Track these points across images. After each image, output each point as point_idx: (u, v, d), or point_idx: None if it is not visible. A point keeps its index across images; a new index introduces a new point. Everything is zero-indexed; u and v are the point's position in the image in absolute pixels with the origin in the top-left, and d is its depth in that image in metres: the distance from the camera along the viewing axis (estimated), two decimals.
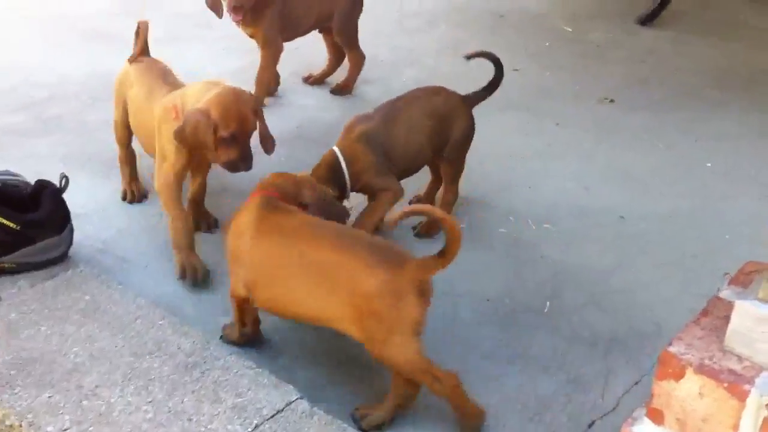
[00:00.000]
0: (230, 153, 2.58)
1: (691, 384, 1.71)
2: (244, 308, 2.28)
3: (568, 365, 2.41)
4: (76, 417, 2.00)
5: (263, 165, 2.88)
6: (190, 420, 2.00)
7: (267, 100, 3.91)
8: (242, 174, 2.69)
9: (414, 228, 3.02)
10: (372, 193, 2.84)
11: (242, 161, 2.61)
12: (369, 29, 4.86)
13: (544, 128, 3.86)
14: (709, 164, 3.62)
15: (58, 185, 2.58)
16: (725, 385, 1.66)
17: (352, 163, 2.75)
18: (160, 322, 2.33)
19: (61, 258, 2.59)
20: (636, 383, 2.35)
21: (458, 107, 2.97)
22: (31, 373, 2.13)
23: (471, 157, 3.09)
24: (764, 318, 1.67)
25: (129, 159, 3.08)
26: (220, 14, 3.64)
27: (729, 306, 1.87)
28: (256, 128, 2.63)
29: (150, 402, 2.05)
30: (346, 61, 4.15)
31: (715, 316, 1.86)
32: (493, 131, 3.66)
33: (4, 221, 2.45)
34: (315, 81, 4.19)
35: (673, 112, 4.15)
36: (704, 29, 5.38)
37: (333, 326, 2.11)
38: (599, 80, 4.48)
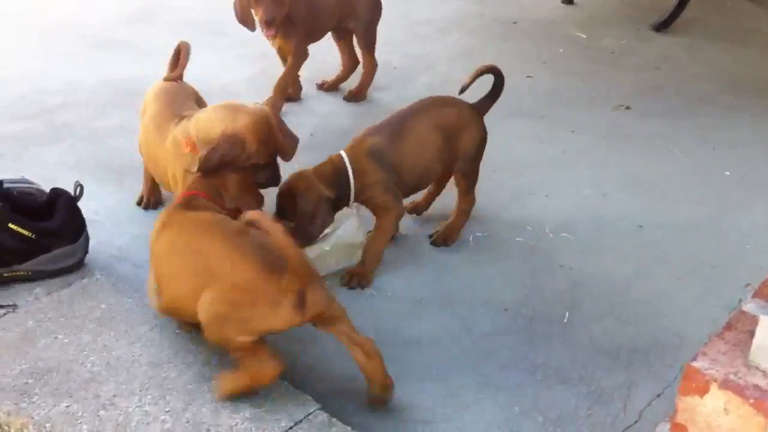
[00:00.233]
0: (261, 176, 2.57)
1: (715, 400, 1.68)
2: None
3: (589, 377, 2.38)
4: (94, 427, 1.98)
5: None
6: (208, 430, 1.98)
7: (284, 106, 3.89)
8: None
9: (431, 236, 3.00)
10: (374, 208, 2.80)
11: (272, 181, 2.61)
12: (381, 37, 4.84)
13: (559, 135, 3.84)
14: (728, 172, 3.59)
15: (72, 193, 2.56)
16: (751, 401, 1.63)
17: (359, 175, 2.71)
18: (177, 332, 2.32)
19: (77, 266, 2.58)
20: (658, 395, 2.32)
21: (469, 118, 2.91)
22: (48, 382, 2.11)
23: (485, 165, 3.05)
24: None
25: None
26: (252, 27, 3.69)
27: (753, 320, 1.84)
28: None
29: (168, 412, 2.03)
30: (358, 68, 4.14)
31: (739, 330, 1.83)
32: (506, 139, 3.64)
33: (20, 229, 2.43)
34: (329, 87, 4.18)
35: (688, 119, 4.12)
36: (719, 36, 5.34)
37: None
38: (614, 87, 4.45)
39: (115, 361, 2.20)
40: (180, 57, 2.94)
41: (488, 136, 2.98)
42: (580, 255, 2.96)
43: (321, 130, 3.78)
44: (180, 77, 2.94)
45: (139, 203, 3.09)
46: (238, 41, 4.64)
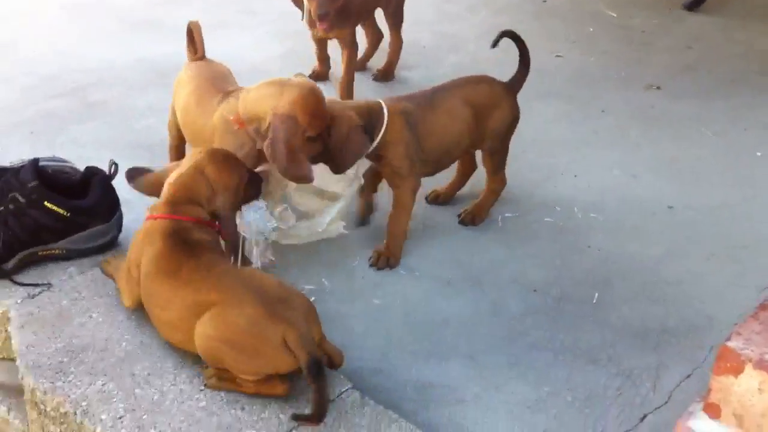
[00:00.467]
0: (314, 149, 2.52)
1: (750, 379, 1.68)
2: None
3: (618, 357, 2.38)
4: (130, 405, 2.02)
5: None
6: (243, 409, 2.01)
7: None
8: None
9: (459, 215, 3.00)
10: (389, 175, 2.75)
11: (324, 156, 2.57)
12: (410, 16, 4.82)
13: (590, 115, 3.81)
14: (759, 153, 3.56)
15: (107, 172, 2.59)
16: None
17: (387, 129, 2.66)
18: None
19: (111, 245, 2.61)
20: (688, 376, 2.32)
21: (502, 96, 2.89)
22: (84, 360, 2.15)
23: (515, 145, 3.05)
24: None
25: (180, 152, 3.07)
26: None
27: None
28: None
29: (202, 390, 2.06)
30: (384, 48, 4.13)
31: None
32: (537, 119, 3.62)
33: (55, 207, 2.46)
34: (357, 67, 4.18)
35: (721, 99, 4.07)
36: (752, 15, 5.27)
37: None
38: (645, 67, 4.41)
39: (148, 339, 2.23)
40: (195, 36, 2.95)
41: (519, 116, 2.96)
42: (610, 235, 2.95)
43: None
44: (204, 56, 2.94)
45: None
46: (268, 20, 4.65)
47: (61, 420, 2.04)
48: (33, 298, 2.37)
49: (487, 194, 2.98)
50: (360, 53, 4.03)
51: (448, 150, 2.83)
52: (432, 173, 2.87)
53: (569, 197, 3.16)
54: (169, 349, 2.19)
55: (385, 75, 4.08)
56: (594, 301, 2.61)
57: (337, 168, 2.59)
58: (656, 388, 2.27)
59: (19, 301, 2.35)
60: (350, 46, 3.77)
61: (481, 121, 2.84)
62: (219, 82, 2.78)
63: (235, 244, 2.38)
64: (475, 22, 4.97)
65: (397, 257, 2.75)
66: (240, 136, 2.55)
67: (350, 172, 2.69)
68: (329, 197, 2.72)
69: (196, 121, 2.73)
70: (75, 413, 2.00)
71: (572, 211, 3.07)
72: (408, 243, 2.81)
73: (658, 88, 4.17)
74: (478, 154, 3.00)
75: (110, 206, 2.59)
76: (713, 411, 1.75)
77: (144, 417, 1.98)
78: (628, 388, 2.27)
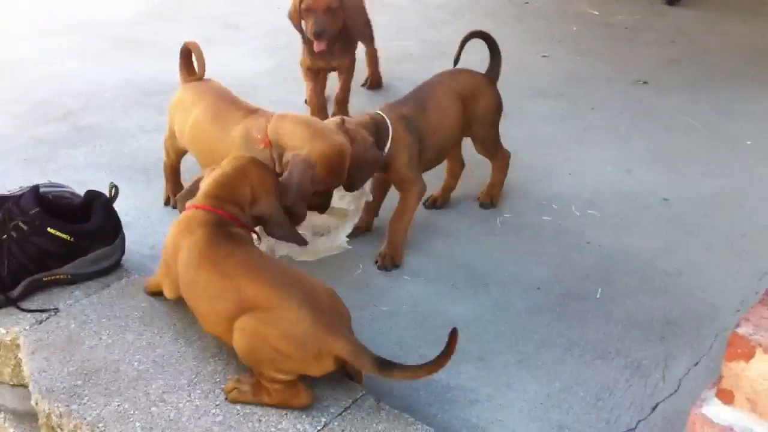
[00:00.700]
0: (316, 199, 2.54)
1: (761, 364, 1.71)
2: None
3: (626, 350, 2.40)
4: (147, 423, 2.02)
5: None
6: (259, 421, 2.02)
7: None
8: None
9: (478, 199, 3.11)
10: (398, 181, 2.80)
11: (321, 208, 2.59)
12: (395, 24, 4.89)
13: (580, 113, 3.85)
14: (749, 142, 3.60)
15: (108, 195, 2.60)
16: None
17: (393, 140, 2.72)
18: None
19: (114, 267, 2.61)
20: (695, 364, 2.34)
21: (483, 85, 3.00)
22: (98, 382, 2.15)
23: (508, 146, 3.10)
24: None
25: (175, 171, 3.08)
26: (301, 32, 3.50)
27: None
28: None
29: (218, 405, 2.07)
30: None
31: None
32: (527, 119, 3.66)
33: (58, 233, 2.47)
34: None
35: (707, 91, 4.13)
36: (732, 7, 5.35)
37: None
38: (631, 63, 4.46)
39: (160, 358, 2.24)
40: (195, 56, 2.95)
41: (510, 118, 3.02)
42: (608, 231, 2.98)
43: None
44: (203, 75, 2.95)
45: (166, 203, 3.12)
46: (254, 35, 4.69)
47: None
48: (41, 323, 2.38)
49: (497, 173, 3.09)
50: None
51: (445, 144, 2.91)
52: (430, 168, 2.93)
53: (565, 195, 3.19)
54: (183, 365, 2.20)
55: (374, 81, 4.09)
56: (597, 296, 2.64)
57: (351, 186, 2.63)
58: (665, 378, 2.30)
59: (27, 328, 2.36)
60: (351, 70, 3.68)
61: (468, 110, 2.93)
62: (231, 99, 2.80)
63: (287, 240, 2.40)
64: (459, 27, 5.00)
65: (400, 258, 2.79)
66: (261, 154, 2.55)
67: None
68: (337, 213, 2.76)
69: (211, 138, 2.73)
70: None
71: (569, 209, 3.10)
72: (411, 248, 2.84)
73: (645, 82, 4.22)
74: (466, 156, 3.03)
75: (113, 229, 2.60)
76: (726, 397, 1.77)
77: None
78: (637, 379, 2.29)
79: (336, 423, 2.02)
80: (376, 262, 2.79)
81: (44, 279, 2.49)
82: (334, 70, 3.66)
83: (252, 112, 2.69)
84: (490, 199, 3.11)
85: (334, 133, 2.52)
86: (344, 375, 2.16)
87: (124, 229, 2.69)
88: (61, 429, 2.08)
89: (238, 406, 2.06)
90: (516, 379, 2.29)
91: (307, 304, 2.01)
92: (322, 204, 2.57)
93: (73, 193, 2.70)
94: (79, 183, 3.02)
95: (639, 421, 2.15)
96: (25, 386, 2.26)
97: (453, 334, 1.95)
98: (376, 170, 2.68)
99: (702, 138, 3.66)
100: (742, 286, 2.65)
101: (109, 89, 4.08)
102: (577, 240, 2.94)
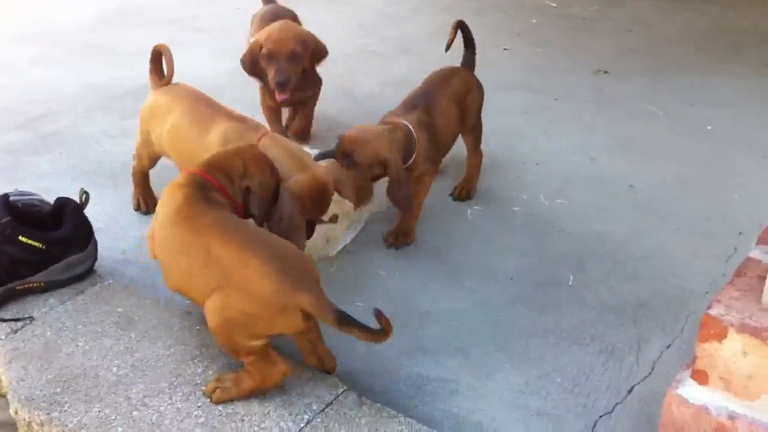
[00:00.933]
0: (312, 224, 2.61)
1: (734, 343, 1.75)
2: None
3: (600, 335, 2.44)
4: (129, 428, 2.01)
5: None
6: (242, 421, 2.02)
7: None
8: None
9: (451, 194, 3.18)
10: (416, 176, 2.91)
11: (310, 234, 2.63)
12: (354, 20, 4.89)
13: (544, 104, 3.90)
14: (709, 127, 3.67)
15: (78, 201, 2.58)
16: None
17: (417, 146, 2.85)
18: (197, 328, 2.35)
19: (88, 273, 2.60)
20: (668, 346, 2.39)
21: (469, 80, 3.14)
22: (77, 389, 2.14)
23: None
24: None
25: (145, 176, 3.07)
26: (264, 82, 3.32)
27: (760, 266, 1.92)
28: None
29: (200, 407, 2.07)
30: None
31: (748, 276, 1.90)
32: (493, 112, 3.67)
33: (30, 241, 2.45)
34: None
35: (666, 79, 4.19)
36: None
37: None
38: (591, 53, 4.52)
39: (139, 362, 2.23)
40: (166, 59, 2.94)
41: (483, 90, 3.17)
42: (577, 219, 3.02)
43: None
44: (171, 80, 2.94)
45: (137, 208, 3.10)
46: (216, 37, 4.67)
47: None
48: (16, 332, 2.36)
49: (472, 168, 3.19)
50: None
51: (448, 142, 3.06)
52: (438, 162, 3.07)
53: (534, 185, 3.23)
54: (163, 368, 2.20)
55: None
56: (570, 284, 2.68)
57: (400, 205, 2.80)
58: (639, 361, 2.34)
59: (3, 337, 2.33)
60: (312, 103, 3.53)
61: (463, 107, 3.08)
62: (210, 103, 2.79)
63: (260, 220, 2.42)
64: (419, 22, 5.04)
65: (412, 234, 2.91)
66: None
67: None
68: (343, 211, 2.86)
69: (190, 141, 2.72)
70: None
71: (538, 199, 3.14)
72: (384, 244, 2.86)
73: (606, 72, 4.27)
74: None
75: (85, 235, 2.58)
76: (701, 377, 1.82)
77: None
78: (612, 363, 2.33)
79: (319, 419, 2.03)
80: (386, 240, 2.88)
81: (18, 288, 2.47)
82: (299, 104, 3.50)
83: (234, 118, 2.69)
84: (468, 193, 3.17)
85: (318, 165, 2.59)
86: (320, 370, 2.19)
87: (98, 235, 2.68)
88: None
89: (220, 407, 2.06)
90: (495, 368, 2.32)
91: (273, 261, 2.02)
92: (310, 232, 2.62)
93: (42, 201, 2.68)
94: (45, 190, 2.99)
95: (616, 404, 2.19)
96: (3, 396, 2.24)
97: (378, 315, 2.03)
98: (411, 191, 2.81)
99: (663, 125, 3.72)
100: (709, 268, 2.71)
101: (70, 95, 4.04)
102: (547, 229, 2.98)
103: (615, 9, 5.21)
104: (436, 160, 3.00)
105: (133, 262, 2.79)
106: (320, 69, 3.90)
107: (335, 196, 2.68)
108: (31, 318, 2.42)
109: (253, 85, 3.87)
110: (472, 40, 3.22)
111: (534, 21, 4.98)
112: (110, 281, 2.58)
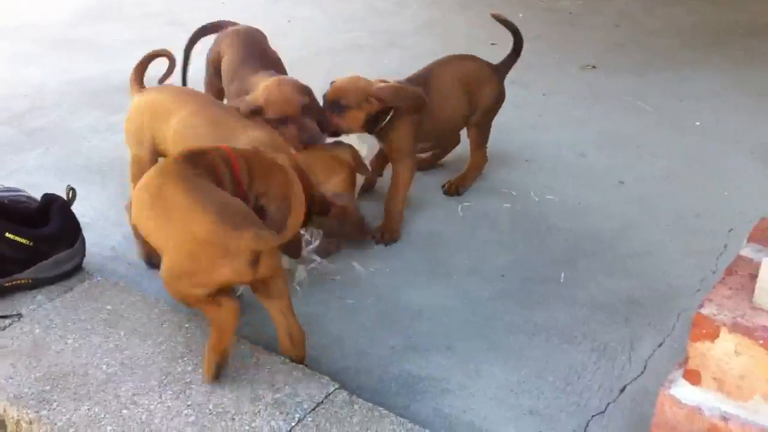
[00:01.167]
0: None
1: (726, 343, 1.75)
2: None
3: (592, 333, 2.44)
4: (119, 427, 2.00)
5: None
6: (233, 419, 2.01)
7: None
8: None
9: (443, 186, 3.15)
10: (391, 151, 2.92)
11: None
12: (342, 15, 4.87)
13: (532, 99, 3.89)
14: (698, 123, 3.68)
15: (65, 197, 2.56)
16: (761, 341, 1.70)
17: (392, 117, 2.84)
18: (186, 325, 2.34)
19: (76, 270, 2.58)
20: (660, 345, 2.39)
21: (489, 74, 3.10)
22: (66, 387, 2.12)
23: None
24: None
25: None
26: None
27: (752, 264, 1.92)
28: None
29: (190, 405, 2.06)
30: None
31: (740, 275, 1.90)
32: None
33: (17, 238, 2.43)
34: None
35: (654, 73, 4.20)
36: None
37: None
38: (578, 47, 4.52)
39: (129, 360, 2.21)
40: (169, 67, 2.89)
41: (505, 97, 3.18)
42: (567, 215, 3.02)
43: None
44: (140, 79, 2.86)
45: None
46: None
47: None
48: (4, 330, 2.34)
49: (471, 168, 3.17)
50: None
51: (445, 127, 3.04)
52: (428, 150, 3.12)
53: (524, 181, 3.23)
54: (152, 366, 2.18)
55: None
56: (561, 281, 2.67)
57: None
58: (631, 360, 2.34)
59: None
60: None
61: (472, 96, 3.03)
62: (222, 105, 2.79)
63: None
64: (406, 16, 5.02)
65: (398, 231, 2.90)
66: None
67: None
68: None
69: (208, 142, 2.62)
70: None
71: (528, 195, 3.14)
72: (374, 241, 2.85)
73: (594, 67, 4.28)
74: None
75: (72, 231, 2.56)
76: (693, 377, 1.81)
77: None
78: (604, 362, 2.33)
79: (310, 418, 2.02)
80: (374, 237, 2.86)
81: (5, 285, 2.45)
82: None
83: (263, 128, 2.67)
84: (456, 189, 3.14)
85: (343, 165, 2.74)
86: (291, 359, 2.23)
87: (85, 231, 2.66)
88: None
89: (210, 406, 2.05)
90: (485, 366, 2.31)
91: (213, 206, 2.06)
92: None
93: (29, 197, 2.65)
94: (32, 186, 2.96)
95: (608, 403, 2.19)
96: None
97: None
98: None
99: (651, 120, 3.72)
100: (700, 265, 2.71)
101: (53, 91, 4.00)
102: (537, 225, 2.97)
103: (602, 3, 5.21)
104: (416, 152, 2.95)
105: (122, 259, 2.77)
106: (308, 64, 3.91)
107: None
108: (20, 315, 2.40)
109: None
110: (520, 46, 3.23)
111: (521, 15, 4.96)
112: (99, 278, 2.56)
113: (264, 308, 2.23)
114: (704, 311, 1.78)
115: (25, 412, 2.07)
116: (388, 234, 2.87)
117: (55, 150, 3.48)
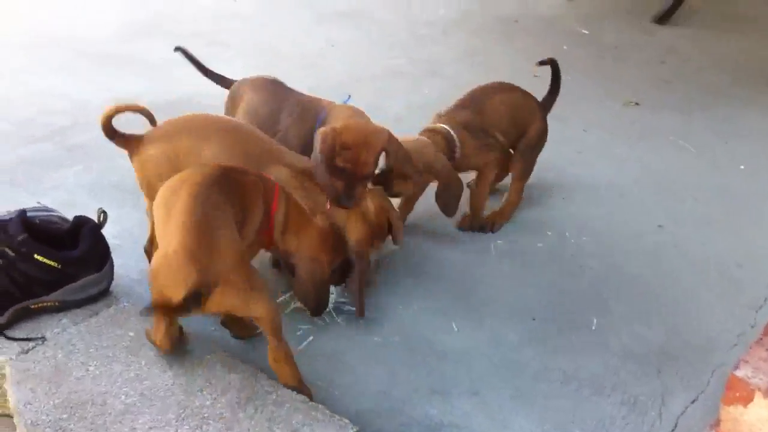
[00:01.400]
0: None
1: (760, 409, 1.68)
2: None
3: (622, 384, 2.37)
4: None
5: None
6: None
7: None
8: None
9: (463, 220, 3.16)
10: (474, 169, 3.07)
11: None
12: (385, 41, 4.85)
13: (572, 135, 3.83)
14: (742, 166, 3.59)
15: (96, 220, 2.55)
16: None
17: (461, 146, 2.94)
18: (208, 357, 2.31)
19: (103, 294, 2.56)
20: (693, 401, 2.31)
21: (534, 107, 3.18)
22: (84, 416, 2.10)
23: None
24: None
25: None
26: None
27: None
28: None
29: None
30: None
31: None
32: None
33: (45, 260, 2.42)
34: None
35: (699, 111, 4.12)
36: (721, 25, 5.36)
37: None
38: (622, 82, 4.45)
39: (148, 391, 2.19)
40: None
41: (548, 134, 3.20)
42: (603, 258, 2.95)
43: None
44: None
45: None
46: (242, 52, 4.64)
47: None
48: (27, 353, 2.32)
49: (508, 204, 3.18)
50: None
51: (505, 141, 3.11)
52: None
53: (560, 221, 3.17)
54: (170, 399, 2.15)
55: None
56: (593, 327, 2.60)
57: (447, 209, 2.90)
58: (662, 416, 2.26)
59: (13, 357, 2.30)
60: None
61: (518, 123, 3.12)
62: (257, 134, 2.67)
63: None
64: (449, 44, 4.99)
65: (480, 218, 3.09)
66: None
67: None
68: None
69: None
70: None
71: (564, 236, 3.07)
72: (403, 276, 2.81)
73: (637, 103, 4.20)
74: None
75: (101, 255, 2.54)
76: None
77: None
78: (634, 416, 2.26)
79: None
80: (459, 222, 3.08)
81: (32, 306, 2.44)
82: None
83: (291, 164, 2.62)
84: (492, 225, 3.11)
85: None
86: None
87: (114, 254, 2.64)
88: None
89: None
90: (511, 415, 2.25)
91: (196, 231, 2.09)
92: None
93: (61, 218, 2.64)
94: (68, 204, 2.98)
95: None
96: (10, 416, 2.21)
97: None
98: (460, 193, 2.91)
99: (695, 161, 3.64)
100: (738, 318, 2.63)
101: (95, 107, 3.96)
102: (571, 267, 2.91)
103: (648, 38, 5.13)
104: (493, 150, 3.04)
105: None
106: (347, 89, 3.90)
107: None
108: (43, 338, 2.38)
109: None
110: (559, 84, 3.29)
111: (565, 47, 4.92)
112: (125, 304, 2.54)
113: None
114: (739, 373, 1.72)
115: None
116: (469, 220, 3.08)
117: (93, 168, 3.48)
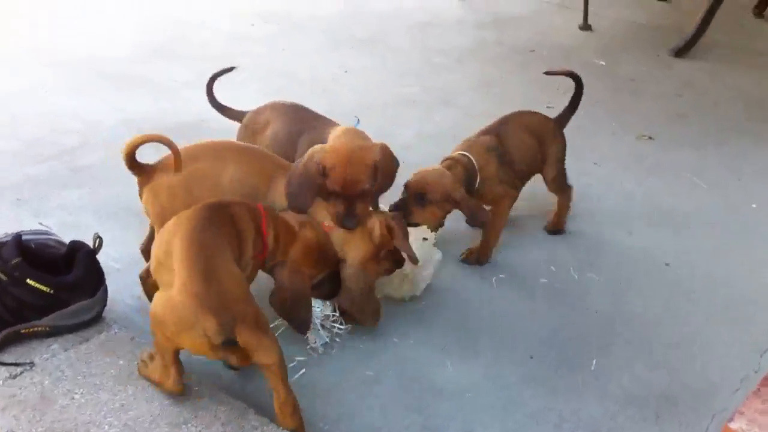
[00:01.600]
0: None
1: None
2: None
3: (619, 429, 2.31)
4: None
5: None
6: None
7: None
8: None
9: (545, 227, 3.28)
10: (491, 200, 3.04)
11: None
12: (399, 69, 4.83)
13: (583, 168, 3.77)
14: (754, 205, 3.52)
15: (91, 246, 2.53)
16: None
17: (481, 170, 2.96)
18: (196, 388, 2.27)
19: (95, 320, 2.53)
20: None
21: (554, 128, 3.25)
22: None
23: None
24: None
25: None
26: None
27: None
28: None
29: None
30: None
31: None
32: None
33: (38, 285, 2.40)
34: None
35: (714, 147, 4.06)
36: (739, 59, 5.29)
37: None
38: (636, 116, 4.39)
39: (133, 421, 2.15)
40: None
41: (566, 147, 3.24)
42: (607, 296, 2.89)
43: None
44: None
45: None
46: (255, 77, 4.63)
47: None
48: (15, 378, 2.30)
49: (561, 207, 3.27)
50: None
51: (522, 176, 3.16)
52: (522, 185, 3.18)
53: (564, 256, 3.11)
54: (155, 431, 2.12)
55: None
56: (593, 368, 2.54)
57: (481, 226, 3.01)
58: None
59: (0, 383, 2.28)
60: None
61: (542, 146, 3.18)
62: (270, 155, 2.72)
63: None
64: (464, 73, 4.96)
65: (489, 256, 3.05)
66: None
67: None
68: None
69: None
70: None
71: (568, 271, 3.02)
72: (403, 309, 2.77)
73: (651, 138, 4.15)
74: None
75: (95, 281, 2.53)
76: None
77: None
78: None
79: None
80: (462, 254, 3.05)
81: (23, 331, 2.42)
82: None
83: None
84: (556, 227, 3.25)
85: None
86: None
87: (109, 279, 2.62)
88: None
89: None
90: None
91: (199, 279, 2.08)
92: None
93: (57, 242, 2.62)
94: (72, 226, 2.97)
95: None
96: None
97: None
98: (486, 218, 2.94)
99: (706, 198, 3.58)
100: (743, 361, 2.56)
101: (105, 128, 4.01)
102: (574, 304, 2.85)
103: (665, 71, 5.08)
104: (513, 184, 3.07)
105: (145, 309, 2.71)
106: (359, 116, 3.87)
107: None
108: (32, 364, 2.36)
109: None
110: (578, 100, 3.35)
111: None
112: (116, 330, 2.52)
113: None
114: (733, 426, 1.66)
115: None
116: (476, 256, 3.04)
117: (99, 190, 3.46)
